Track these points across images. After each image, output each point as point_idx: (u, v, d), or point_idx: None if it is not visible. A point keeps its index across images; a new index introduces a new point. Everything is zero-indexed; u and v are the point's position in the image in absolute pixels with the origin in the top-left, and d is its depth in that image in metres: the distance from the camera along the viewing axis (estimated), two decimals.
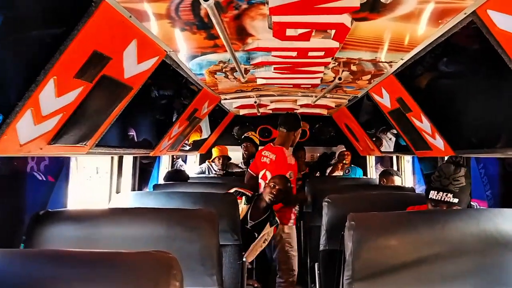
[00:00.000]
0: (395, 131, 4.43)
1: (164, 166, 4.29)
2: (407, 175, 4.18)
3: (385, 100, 3.28)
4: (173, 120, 3.43)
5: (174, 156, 5.40)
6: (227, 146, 5.53)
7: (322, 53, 2.23)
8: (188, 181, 3.98)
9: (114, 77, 1.96)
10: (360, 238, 1.71)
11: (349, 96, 3.97)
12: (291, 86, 3.27)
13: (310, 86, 3.26)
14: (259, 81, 3.14)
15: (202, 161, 5.80)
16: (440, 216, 1.79)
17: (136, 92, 2.28)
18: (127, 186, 3.42)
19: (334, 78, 3.00)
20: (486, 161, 2.59)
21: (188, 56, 2.41)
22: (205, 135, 5.64)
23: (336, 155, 5.50)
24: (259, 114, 5.14)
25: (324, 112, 5.27)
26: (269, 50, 2.22)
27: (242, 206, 3.18)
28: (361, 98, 3.87)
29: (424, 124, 2.90)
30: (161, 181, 4.16)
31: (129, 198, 2.77)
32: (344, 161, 5.34)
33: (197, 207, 2.58)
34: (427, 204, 2.16)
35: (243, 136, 5.51)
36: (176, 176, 3.93)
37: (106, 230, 1.87)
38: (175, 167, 4.90)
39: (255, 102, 4.24)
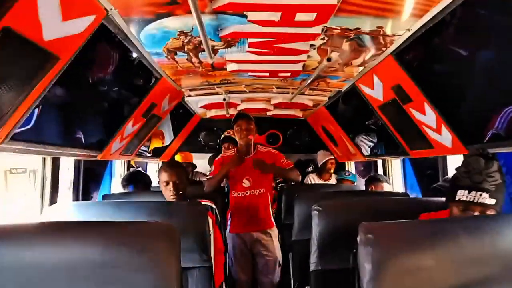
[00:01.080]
0: (371, 137, 4.02)
1: (118, 174, 3.64)
2: (396, 180, 3.74)
3: (376, 92, 2.82)
4: (126, 115, 2.83)
5: (131, 163, 4.76)
6: (193, 154, 4.94)
7: (313, 16, 1.73)
8: (151, 189, 3.36)
9: (26, 36, 1.37)
10: (384, 257, 1.20)
11: (331, 91, 3.50)
12: (267, 74, 2.75)
13: (289, 74, 2.76)
14: (230, 67, 2.61)
15: None
16: (487, 224, 1.30)
17: (65, 65, 1.69)
18: (68, 196, 2.78)
19: (319, 62, 2.52)
20: (507, 157, 2.16)
21: (138, 21, 1.84)
22: (167, 141, 5.04)
23: (320, 164, 4.99)
24: (228, 115, 4.59)
25: (299, 114, 4.80)
26: (245, 10, 1.69)
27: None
28: (344, 94, 3.41)
29: (427, 117, 2.44)
30: (115, 190, 3.53)
31: (66, 210, 2.14)
32: (331, 171, 4.85)
33: (154, 218, 2.04)
34: (451, 209, 1.67)
35: (222, 136, 4.90)
36: (137, 178, 3.27)
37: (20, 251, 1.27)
38: None
39: (224, 99, 3.70)
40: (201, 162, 4.74)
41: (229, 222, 3.15)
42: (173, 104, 3.53)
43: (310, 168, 5.49)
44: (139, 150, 4.78)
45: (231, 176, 3.08)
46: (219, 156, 3.20)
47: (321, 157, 5.07)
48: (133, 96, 2.84)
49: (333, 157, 4.95)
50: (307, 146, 5.57)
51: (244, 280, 3.13)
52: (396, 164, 3.77)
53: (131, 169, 3.73)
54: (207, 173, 4.97)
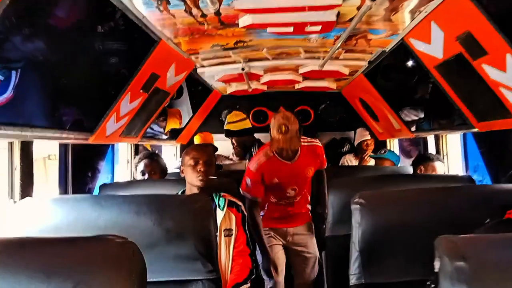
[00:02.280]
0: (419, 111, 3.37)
1: (124, 160, 3.16)
2: (453, 160, 3.08)
3: (433, 47, 2.17)
4: (119, 88, 2.32)
5: (144, 146, 4.30)
6: (214, 135, 4.41)
7: None
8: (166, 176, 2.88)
9: None
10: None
11: (371, 52, 2.85)
12: (292, 28, 2.14)
13: (320, 27, 2.14)
14: (243, 21, 2.03)
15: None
16: None
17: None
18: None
19: (359, 8, 1.90)
20: None
21: None
22: (186, 121, 4.54)
23: (356, 143, 4.35)
24: (250, 90, 4.01)
25: (333, 86, 4.16)
26: None
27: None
28: (389, 55, 2.76)
29: (508, 75, 1.79)
30: (120, 178, 3.07)
31: (34, 207, 1.68)
32: (367, 152, 4.23)
33: (142, 219, 1.61)
34: None
35: (226, 125, 4.26)
36: (151, 164, 2.78)
37: None
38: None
39: (243, 69, 3.12)
40: (223, 143, 4.20)
41: (261, 217, 2.70)
42: (183, 76, 3.00)
43: (345, 148, 4.87)
44: (154, 131, 4.35)
45: (272, 185, 2.61)
46: (255, 163, 2.59)
47: (357, 136, 4.45)
48: (127, 65, 2.32)
49: (369, 137, 4.30)
50: (342, 123, 4.93)
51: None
52: (453, 141, 3.10)
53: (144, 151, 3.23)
54: (230, 156, 4.48)
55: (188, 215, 1.65)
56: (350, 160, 4.54)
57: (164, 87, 2.80)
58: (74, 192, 2.40)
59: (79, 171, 2.48)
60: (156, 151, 4.55)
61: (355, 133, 4.86)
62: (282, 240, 2.76)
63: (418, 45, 2.30)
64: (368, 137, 4.26)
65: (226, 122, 3.69)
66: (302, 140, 2.57)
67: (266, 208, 2.76)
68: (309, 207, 2.89)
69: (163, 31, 2.17)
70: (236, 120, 3.65)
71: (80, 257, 0.96)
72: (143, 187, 2.45)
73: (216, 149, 4.28)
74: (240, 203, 2.20)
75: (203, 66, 3.15)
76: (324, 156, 2.81)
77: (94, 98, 2.27)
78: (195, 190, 2.12)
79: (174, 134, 4.47)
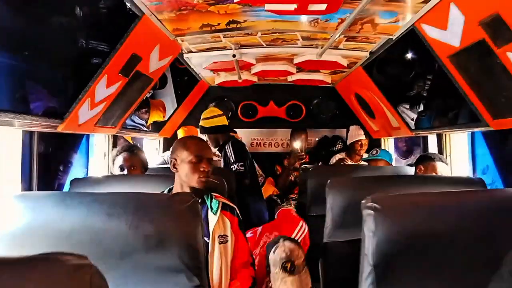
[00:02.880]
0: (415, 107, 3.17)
1: (101, 153, 2.86)
2: (458, 161, 2.86)
3: (450, 33, 1.95)
4: (94, 70, 2.02)
5: (123, 139, 3.99)
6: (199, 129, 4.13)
7: None
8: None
9: None
10: None
11: (375, 42, 2.62)
12: (294, 6, 1.89)
13: (325, 5, 1.89)
14: None
15: (167, 148, 4.38)
16: None
17: None
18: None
19: None
20: None
21: None
22: (170, 113, 4.25)
23: (349, 142, 4.11)
24: (240, 81, 3.75)
25: (328, 79, 3.93)
26: None
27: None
28: (395, 44, 2.53)
29: None
30: (95, 172, 2.76)
31: None
32: (360, 153, 4.01)
33: (116, 221, 1.35)
34: None
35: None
36: (131, 158, 2.48)
37: None
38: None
39: (234, 56, 2.86)
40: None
41: None
42: (168, 61, 2.71)
43: (338, 147, 4.64)
44: (135, 124, 4.05)
45: None
46: None
47: (350, 135, 4.18)
48: (105, 43, 2.03)
49: (364, 138, 4.06)
50: (334, 120, 4.70)
51: None
52: (458, 141, 2.89)
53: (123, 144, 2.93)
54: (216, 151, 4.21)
55: (171, 218, 1.39)
56: (342, 160, 4.31)
57: (147, 72, 2.52)
58: (40, 188, 2.10)
59: (47, 164, 2.17)
60: (137, 145, 4.27)
61: (347, 131, 4.65)
62: None
63: (431, 32, 2.08)
64: (363, 136, 4.02)
65: (201, 118, 3.42)
66: None
67: None
68: None
69: (146, 3, 1.88)
70: (210, 116, 3.38)
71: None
72: (121, 184, 2.17)
73: None
74: (234, 206, 1.93)
75: (190, 52, 2.88)
76: None
77: (65, 79, 1.98)
78: (187, 190, 1.84)
79: (157, 127, 4.18)
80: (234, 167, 3.09)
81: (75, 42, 1.94)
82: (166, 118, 4.12)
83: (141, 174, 2.47)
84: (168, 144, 4.35)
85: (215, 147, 3.44)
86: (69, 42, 1.92)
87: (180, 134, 3.95)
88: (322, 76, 3.85)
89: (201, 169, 1.78)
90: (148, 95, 4.26)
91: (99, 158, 2.84)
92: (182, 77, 4.32)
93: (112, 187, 2.12)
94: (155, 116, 4.07)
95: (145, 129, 4.07)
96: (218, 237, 1.82)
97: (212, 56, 2.98)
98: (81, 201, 1.38)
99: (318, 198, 2.85)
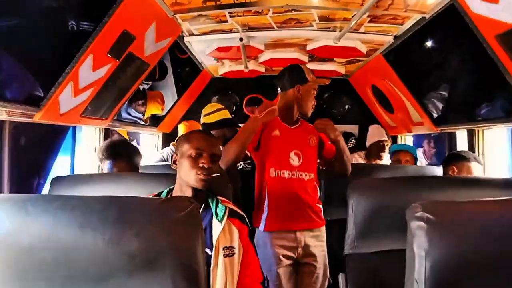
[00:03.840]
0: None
1: (89, 147, 2.54)
2: (493, 161, 2.53)
3: (502, 8, 1.62)
4: (77, 48, 1.70)
5: (117, 134, 3.68)
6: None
7: None
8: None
9: None
10: None
11: (402, 23, 2.30)
12: None
13: None
14: None
15: (166, 144, 4.06)
16: None
17: None
18: None
19: None
20: None
21: None
22: (169, 106, 3.93)
23: (368, 143, 3.74)
24: (247, 71, 3.42)
25: (342, 70, 3.60)
26: None
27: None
28: (429, 23, 2.19)
29: None
30: (82, 169, 2.45)
31: None
32: (382, 157, 3.65)
33: (90, 235, 1.03)
34: None
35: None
36: (116, 152, 2.16)
37: None
38: None
39: (241, 39, 2.53)
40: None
41: (264, 216, 2.10)
42: (166, 44, 2.39)
43: (350, 144, 4.31)
44: (131, 118, 3.73)
45: (269, 148, 2.11)
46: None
47: (373, 135, 3.76)
48: (89, 15, 1.70)
49: (386, 137, 3.69)
50: (347, 115, 4.37)
51: None
52: (494, 138, 2.56)
53: (112, 138, 2.62)
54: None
55: (163, 230, 1.07)
56: (356, 160, 3.96)
57: (142, 55, 2.20)
58: (13, 190, 1.78)
59: (23, 160, 1.85)
60: (133, 140, 3.95)
61: (360, 127, 4.33)
62: (290, 253, 2.12)
63: (477, 7, 1.75)
64: (386, 137, 3.65)
65: (202, 116, 3.10)
66: None
67: (266, 201, 2.12)
68: (321, 207, 2.26)
69: None
70: (211, 111, 3.07)
71: None
72: (111, 184, 1.84)
73: None
74: (242, 213, 1.62)
75: (191, 35, 2.55)
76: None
77: (41, 58, 1.65)
78: (188, 192, 1.54)
79: (155, 121, 3.86)
80: (241, 165, 2.78)
81: (54, 12, 1.61)
82: (165, 112, 3.81)
83: (136, 172, 2.15)
84: (167, 139, 4.02)
85: (222, 143, 3.13)
86: (47, 12, 1.60)
87: (181, 129, 3.63)
88: (336, 66, 3.52)
89: (200, 164, 1.47)
90: (146, 86, 3.96)
91: (89, 155, 2.53)
92: (184, 67, 4.00)
93: (100, 187, 1.80)
94: (153, 109, 3.76)
95: (142, 123, 3.76)
96: (223, 249, 1.51)
97: (216, 40, 2.66)
98: (45, 208, 1.05)
99: (334, 200, 2.54)
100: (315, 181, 2.19)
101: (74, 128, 2.30)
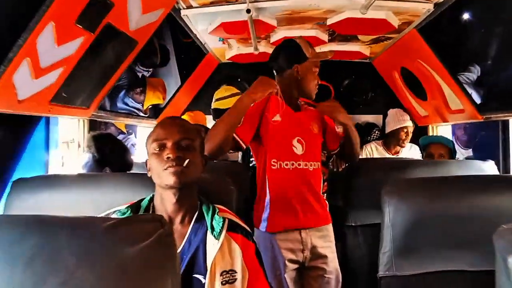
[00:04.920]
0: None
1: (68, 141, 2.15)
2: None
3: None
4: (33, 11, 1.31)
5: (114, 127, 3.31)
6: (208, 115, 3.37)
7: None
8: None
9: None
10: None
11: None
12: None
13: None
14: None
15: None
16: None
17: None
18: None
19: None
20: None
21: None
22: (171, 95, 3.54)
23: (388, 130, 3.28)
24: (257, 53, 2.99)
25: (366, 51, 3.15)
26: None
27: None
28: None
29: None
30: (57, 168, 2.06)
31: None
32: (404, 143, 3.21)
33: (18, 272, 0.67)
34: None
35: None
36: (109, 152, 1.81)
37: None
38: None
39: (249, 11, 2.10)
40: None
41: (265, 215, 1.80)
42: (158, 16, 1.97)
43: (373, 136, 3.85)
44: (128, 108, 3.35)
45: (269, 135, 1.80)
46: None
47: (393, 119, 3.33)
48: None
49: (410, 125, 3.24)
50: (370, 103, 3.90)
51: None
52: None
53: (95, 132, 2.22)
54: None
55: (120, 265, 0.68)
56: (375, 148, 3.48)
57: (126, 29, 1.79)
58: None
59: None
60: (131, 134, 3.57)
61: (384, 117, 3.87)
62: (296, 256, 1.81)
63: None
64: (409, 122, 3.21)
65: (213, 100, 2.71)
66: None
67: (268, 197, 1.81)
68: (326, 202, 1.97)
69: None
70: (226, 96, 2.69)
71: None
72: (87, 187, 1.46)
73: None
74: (246, 227, 1.24)
75: (189, 7, 2.13)
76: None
77: None
78: (170, 198, 1.18)
79: (156, 112, 3.48)
80: (252, 161, 2.38)
81: None
82: (166, 101, 3.42)
83: (117, 173, 1.76)
84: None
85: None
86: None
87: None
88: (359, 47, 3.07)
89: (165, 157, 1.14)
90: (146, 73, 3.57)
91: (70, 151, 2.14)
92: (188, 53, 3.60)
93: (69, 192, 1.43)
94: (153, 98, 3.37)
95: (142, 114, 3.38)
96: (222, 274, 1.13)
97: (220, 14, 2.23)
98: None
99: (360, 202, 2.12)
100: (320, 171, 1.91)
101: (47, 120, 1.91)
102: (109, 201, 1.33)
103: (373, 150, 3.48)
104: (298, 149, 1.82)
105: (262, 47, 2.98)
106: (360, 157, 3.38)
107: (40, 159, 1.88)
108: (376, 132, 3.83)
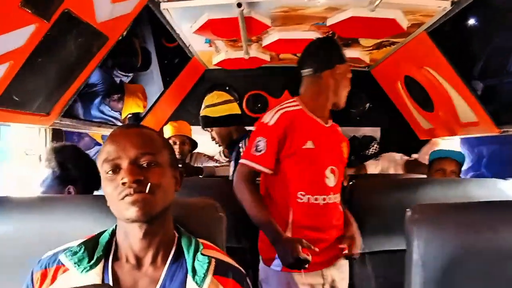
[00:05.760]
0: None
1: (26, 153, 1.81)
2: None
3: None
4: None
5: (89, 138, 2.99)
6: (194, 127, 3.05)
7: None
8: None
9: None
10: None
11: None
12: None
13: None
14: None
15: None
16: None
17: None
18: None
19: None
20: None
21: None
22: (152, 103, 3.23)
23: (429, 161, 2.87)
24: (247, 58, 2.70)
25: (366, 58, 2.89)
26: None
27: None
28: None
29: None
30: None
31: None
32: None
33: None
34: None
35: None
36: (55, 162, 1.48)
37: None
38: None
39: (239, 5, 1.81)
40: (205, 138, 2.84)
41: None
42: (131, 9, 1.67)
43: (372, 150, 3.58)
44: (105, 117, 3.02)
45: (298, 166, 1.54)
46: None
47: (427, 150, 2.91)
48: None
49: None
50: (367, 115, 3.65)
51: None
52: None
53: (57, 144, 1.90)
54: (217, 156, 3.19)
55: None
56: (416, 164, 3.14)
57: (91, 20, 1.48)
58: None
59: None
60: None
61: (382, 130, 3.63)
62: None
63: None
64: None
65: (203, 106, 2.41)
66: None
67: (289, 233, 1.53)
68: None
69: None
70: (218, 102, 2.39)
71: None
72: (38, 211, 1.15)
73: (195, 145, 2.98)
74: (240, 268, 0.95)
75: None
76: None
77: None
78: (135, 232, 0.88)
79: (136, 121, 3.15)
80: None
81: None
82: (147, 109, 3.11)
83: (86, 195, 1.44)
84: None
85: (225, 145, 2.46)
86: None
87: (168, 131, 2.91)
88: (360, 53, 2.81)
89: (121, 181, 0.83)
90: (126, 79, 3.25)
91: (26, 166, 1.80)
92: (172, 58, 3.32)
93: (17, 218, 1.13)
94: (132, 106, 3.05)
95: (120, 124, 3.05)
96: None
97: (206, 8, 1.94)
98: None
99: (367, 226, 1.82)
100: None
101: None
102: (65, 231, 1.05)
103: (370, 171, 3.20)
104: (331, 179, 1.57)
105: (253, 51, 2.71)
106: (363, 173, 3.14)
107: None
108: (375, 145, 3.57)
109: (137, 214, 0.82)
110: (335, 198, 1.59)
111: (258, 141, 1.52)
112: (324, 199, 1.53)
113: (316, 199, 1.52)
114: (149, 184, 0.83)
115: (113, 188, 0.84)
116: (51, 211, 1.13)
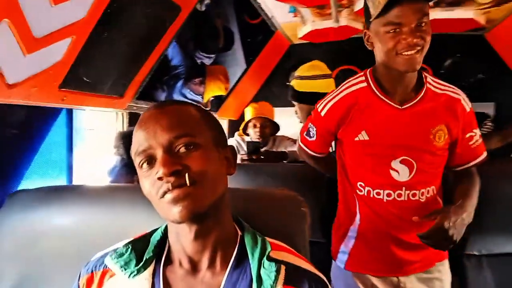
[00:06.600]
0: None
1: (104, 145, 1.73)
2: None
3: None
4: None
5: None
6: (277, 108, 2.82)
7: None
8: None
9: None
10: None
11: None
12: None
13: None
14: None
15: (231, 134, 3.17)
16: None
17: None
18: None
19: None
20: None
21: None
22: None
23: None
24: (337, 26, 2.39)
25: (481, 19, 2.41)
26: None
27: None
28: None
29: None
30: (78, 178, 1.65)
31: None
32: None
33: None
34: None
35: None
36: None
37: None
38: None
39: None
40: (290, 120, 2.57)
41: (348, 245, 1.32)
42: None
43: (485, 129, 3.08)
44: (188, 101, 2.92)
45: (349, 152, 1.28)
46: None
47: None
48: None
49: None
50: (479, 88, 3.14)
51: None
52: None
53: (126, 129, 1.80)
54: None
55: None
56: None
57: None
58: None
59: None
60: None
61: (497, 105, 3.17)
62: None
63: None
64: None
65: (295, 76, 2.08)
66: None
67: (356, 224, 1.31)
68: None
69: None
70: (312, 75, 2.04)
71: None
72: (100, 200, 1.04)
73: (278, 128, 2.75)
74: (320, 275, 0.72)
75: None
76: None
77: None
78: (185, 233, 0.71)
79: (216, 105, 3.02)
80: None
81: None
82: (229, 91, 2.95)
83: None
84: (234, 130, 3.14)
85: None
86: None
87: (248, 113, 2.72)
88: (473, 13, 2.34)
89: (156, 176, 0.65)
90: (208, 61, 3.12)
91: (103, 154, 1.72)
92: (255, 36, 3.12)
93: (81, 209, 1.03)
94: (215, 89, 2.90)
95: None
96: None
97: None
98: None
99: (488, 223, 1.46)
100: (437, 196, 1.29)
101: (70, 113, 1.49)
102: (129, 224, 0.94)
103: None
104: (402, 173, 1.21)
105: (342, 19, 2.38)
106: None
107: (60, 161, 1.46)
108: (489, 123, 3.06)
109: (181, 215, 0.64)
110: (414, 195, 1.23)
111: (310, 127, 1.36)
112: (389, 195, 1.22)
113: (378, 194, 1.23)
114: (186, 174, 0.64)
115: (151, 185, 0.66)
116: (113, 202, 1.00)
